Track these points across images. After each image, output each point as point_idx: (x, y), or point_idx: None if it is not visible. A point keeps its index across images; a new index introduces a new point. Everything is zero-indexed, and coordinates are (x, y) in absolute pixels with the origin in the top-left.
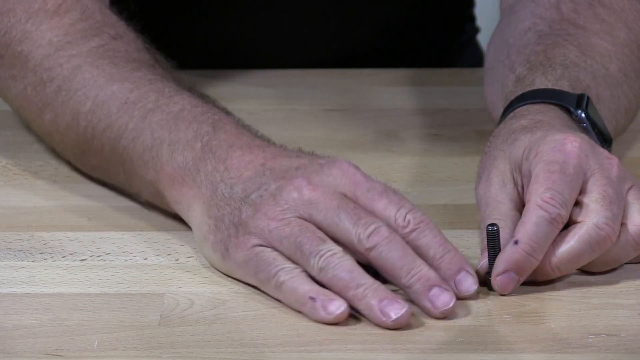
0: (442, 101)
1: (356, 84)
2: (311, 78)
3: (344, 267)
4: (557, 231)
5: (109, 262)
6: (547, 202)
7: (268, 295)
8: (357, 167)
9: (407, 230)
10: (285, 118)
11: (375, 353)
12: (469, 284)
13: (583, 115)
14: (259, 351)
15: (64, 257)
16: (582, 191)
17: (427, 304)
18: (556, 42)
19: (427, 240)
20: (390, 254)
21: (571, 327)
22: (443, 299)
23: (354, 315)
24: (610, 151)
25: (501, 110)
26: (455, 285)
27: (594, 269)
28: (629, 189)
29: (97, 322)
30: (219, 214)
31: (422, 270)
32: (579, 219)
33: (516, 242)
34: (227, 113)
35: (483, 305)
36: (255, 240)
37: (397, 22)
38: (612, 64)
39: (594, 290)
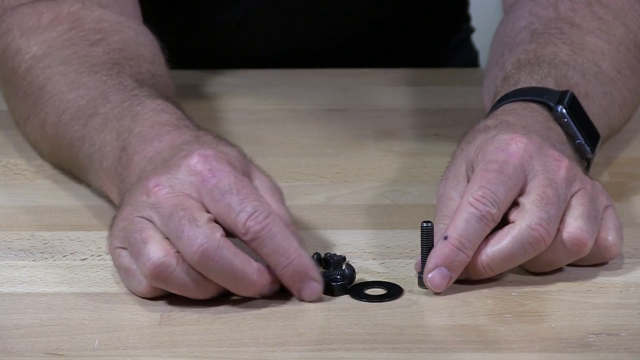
0: (442, 101)
1: (356, 84)
2: (311, 78)
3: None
4: (488, 229)
5: (109, 261)
6: (478, 200)
7: (268, 295)
8: (207, 160)
9: (247, 239)
10: (285, 118)
11: (375, 352)
12: (313, 290)
13: (564, 111)
14: (259, 350)
15: (64, 256)
16: (522, 192)
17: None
18: (548, 41)
19: (267, 250)
20: (217, 271)
21: (572, 326)
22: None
23: (354, 315)
24: (597, 145)
25: None
26: (299, 294)
27: (532, 269)
28: (575, 193)
29: (98, 322)
30: (115, 214)
31: (253, 280)
32: (515, 219)
33: (446, 238)
34: (161, 98)
35: (483, 305)
36: (115, 243)
37: (393, 21)
38: (605, 61)
39: (594, 289)
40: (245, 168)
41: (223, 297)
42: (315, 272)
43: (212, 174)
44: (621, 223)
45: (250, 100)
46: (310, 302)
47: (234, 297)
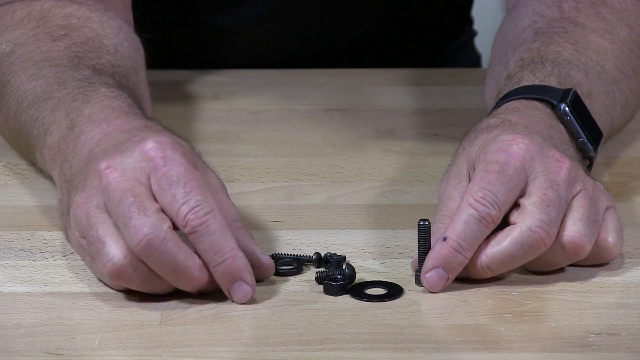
0: (442, 101)
1: (356, 84)
2: (311, 78)
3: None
4: (488, 230)
5: None
6: (478, 201)
7: (268, 295)
8: (161, 147)
9: (186, 231)
10: (286, 118)
11: (375, 352)
12: (243, 293)
13: (567, 109)
14: (259, 350)
15: (65, 256)
16: (523, 193)
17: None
18: (552, 40)
19: (203, 246)
20: (159, 263)
21: (572, 326)
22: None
23: (354, 314)
24: (600, 144)
25: None
26: (230, 294)
27: (532, 269)
28: (576, 194)
29: (98, 321)
30: (62, 197)
31: (194, 276)
32: (515, 220)
33: (445, 239)
34: (116, 87)
35: (483, 305)
36: (75, 233)
37: (396, 24)
38: (608, 61)
39: (594, 289)
40: (196, 162)
41: (223, 297)
42: (249, 274)
43: (164, 162)
44: (622, 224)
45: (251, 100)
46: (241, 304)
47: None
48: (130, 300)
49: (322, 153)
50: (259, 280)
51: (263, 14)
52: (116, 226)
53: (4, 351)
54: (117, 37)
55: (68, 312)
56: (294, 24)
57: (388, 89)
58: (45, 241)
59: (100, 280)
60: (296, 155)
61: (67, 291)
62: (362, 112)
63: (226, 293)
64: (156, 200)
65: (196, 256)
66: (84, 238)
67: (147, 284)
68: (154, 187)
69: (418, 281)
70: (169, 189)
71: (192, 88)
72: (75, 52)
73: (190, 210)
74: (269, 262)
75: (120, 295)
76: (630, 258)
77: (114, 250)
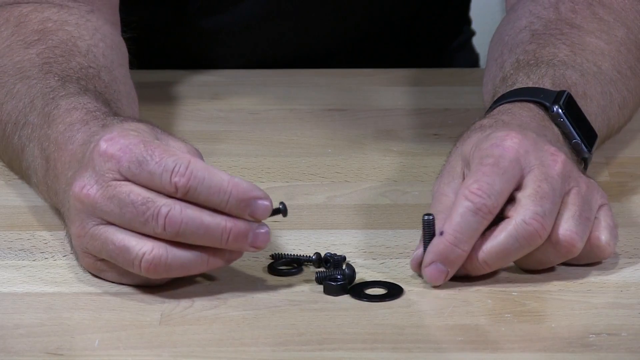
0: (442, 101)
1: (356, 84)
2: (311, 78)
3: None
4: (485, 222)
5: None
6: (473, 193)
7: (268, 295)
8: (114, 141)
9: (180, 194)
10: (285, 118)
11: (375, 352)
12: (264, 208)
13: (560, 110)
14: (259, 350)
15: (65, 256)
16: (518, 187)
17: (251, 249)
18: (548, 42)
19: (204, 196)
20: (190, 232)
21: (572, 326)
22: (262, 240)
23: (354, 314)
24: (594, 145)
25: None
26: (251, 215)
27: (524, 267)
28: (569, 190)
29: (98, 321)
30: (66, 230)
31: (227, 227)
32: (510, 214)
33: (442, 234)
34: (77, 95)
35: (483, 305)
36: (89, 260)
37: (395, 24)
38: (605, 62)
39: (594, 289)
40: (155, 135)
41: (223, 297)
42: (257, 190)
43: (123, 152)
44: (615, 222)
45: (250, 100)
46: (264, 220)
47: (235, 297)
48: (130, 300)
49: (322, 153)
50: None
51: (260, 14)
52: (126, 231)
53: (3, 351)
54: (92, 38)
55: (68, 312)
56: (291, 24)
57: (388, 89)
58: (45, 241)
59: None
60: (296, 155)
61: (67, 291)
62: (362, 112)
63: (249, 219)
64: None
65: (219, 213)
66: (101, 260)
67: (186, 268)
68: (130, 177)
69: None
70: (142, 171)
71: (191, 88)
72: (46, 59)
73: (172, 174)
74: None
75: (120, 295)
76: (630, 258)
77: (140, 247)
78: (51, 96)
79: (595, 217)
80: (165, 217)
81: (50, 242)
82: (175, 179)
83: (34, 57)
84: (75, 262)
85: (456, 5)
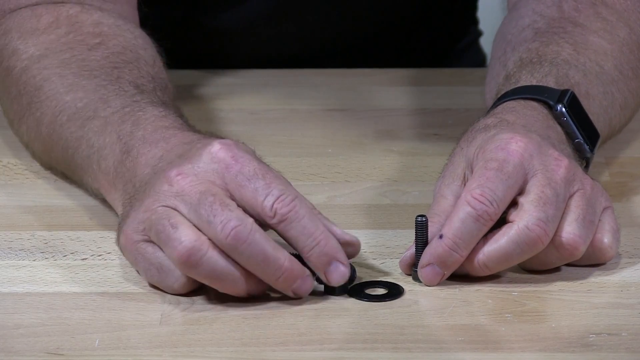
0: (442, 101)
1: (356, 84)
2: (311, 78)
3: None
4: (485, 228)
5: (109, 261)
6: (476, 199)
7: (268, 295)
8: (229, 148)
9: (274, 221)
10: (286, 118)
11: (375, 352)
12: (340, 273)
13: (564, 109)
14: (259, 350)
15: (65, 256)
16: (521, 192)
17: (290, 294)
18: (551, 40)
19: (295, 232)
20: (249, 254)
21: (572, 326)
22: (304, 290)
23: (355, 314)
24: (596, 144)
25: None
26: (326, 277)
27: (527, 268)
28: (574, 194)
29: (98, 321)
30: (124, 212)
31: (285, 266)
32: (513, 218)
33: (441, 237)
34: (162, 105)
35: (483, 305)
36: (135, 237)
37: (402, 24)
38: (607, 61)
39: (595, 289)
40: (260, 158)
41: (223, 297)
42: (342, 254)
43: (235, 161)
44: (619, 225)
45: (250, 100)
46: (336, 285)
47: (235, 297)
48: (131, 300)
49: (322, 153)
50: (350, 257)
51: (264, 14)
52: (188, 222)
53: (4, 351)
54: (151, 48)
55: (68, 312)
56: (297, 24)
57: (388, 89)
58: (45, 241)
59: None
60: (296, 155)
61: (67, 291)
62: (362, 112)
63: (322, 277)
64: (233, 199)
65: (284, 249)
66: (146, 240)
67: (214, 276)
68: (231, 186)
69: (416, 277)
70: (248, 184)
71: (192, 88)
72: (114, 63)
73: (276, 199)
74: (356, 239)
75: (121, 295)
76: (630, 258)
77: (186, 232)
78: (133, 99)
79: (599, 220)
80: (234, 229)
81: (50, 243)
82: (278, 206)
83: (100, 59)
84: (75, 262)
85: (463, 6)
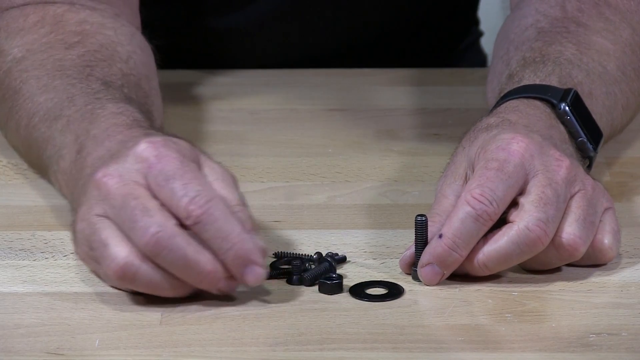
0: (442, 101)
1: (357, 84)
2: (311, 78)
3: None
4: (485, 228)
5: None
6: (475, 198)
7: (268, 295)
8: (154, 146)
9: (190, 223)
10: (286, 118)
11: (375, 352)
12: (256, 275)
13: (567, 108)
14: (259, 350)
15: (65, 256)
16: (522, 192)
17: (217, 292)
18: (554, 40)
19: (209, 235)
20: (170, 260)
21: (572, 326)
22: (228, 289)
23: (355, 314)
24: (599, 144)
25: None
26: (242, 279)
27: (527, 267)
28: (575, 194)
29: (99, 321)
30: (72, 218)
31: (206, 270)
32: (513, 218)
33: (440, 236)
34: (124, 101)
35: (483, 305)
36: (81, 252)
37: (403, 26)
38: (610, 62)
39: (595, 289)
40: (195, 157)
41: (223, 297)
42: (258, 256)
43: (158, 160)
44: (619, 226)
45: (250, 100)
46: (254, 286)
47: (234, 297)
48: (131, 300)
49: (322, 153)
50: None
51: (269, 15)
52: (120, 230)
53: (4, 351)
54: (130, 44)
55: (68, 312)
56: (300, 25)
57: (388, 89)
58: (45, 241)
59: (113, 287)
60: (296, 155)
61: (67, 291)
62: (362, 112)
63: (238, 279)
64: (156, 199)
65: (206, 250)
66: (91, 249)
67: (152, 286)
68: (152, 186)
69: (416, 277)
70: (166, 185)
71: (192, 88)
72: (87, 62)
73: (190, 201)
74: (262, 246)
75: (121, 295)
76: (630, 258)
77: (117, 251)
78: (96, 97)
79: (600, 221)
80: (153, 235)
81: (51, 242)
82: (191, 207)
83: (75, 58)
84: (75, 262)
85: (464, 6)
